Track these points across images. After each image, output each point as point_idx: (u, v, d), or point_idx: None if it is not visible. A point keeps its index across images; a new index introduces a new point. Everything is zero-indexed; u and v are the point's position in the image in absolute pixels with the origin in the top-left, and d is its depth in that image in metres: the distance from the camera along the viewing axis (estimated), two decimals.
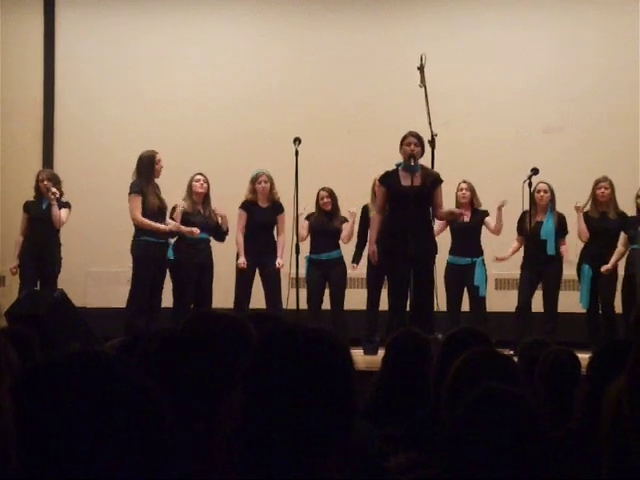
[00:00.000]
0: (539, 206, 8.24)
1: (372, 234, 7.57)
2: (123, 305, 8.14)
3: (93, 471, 1.22)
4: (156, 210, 8.06)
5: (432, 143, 7.60)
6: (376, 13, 10.18)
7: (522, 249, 8.41)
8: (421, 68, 7.80)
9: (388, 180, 7.44)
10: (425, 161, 7.55)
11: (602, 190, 8.23)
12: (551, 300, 8.28)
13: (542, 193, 8.20)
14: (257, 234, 8.36)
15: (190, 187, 8.32)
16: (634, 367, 0.81)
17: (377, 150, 9.32)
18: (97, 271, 10.03)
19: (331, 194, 8.64)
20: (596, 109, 9.81)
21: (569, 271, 8.42)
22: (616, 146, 9.59)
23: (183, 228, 8.05)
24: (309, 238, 8.62)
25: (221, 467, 1.69)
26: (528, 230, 8.12)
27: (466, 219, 8.42)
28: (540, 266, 8.11)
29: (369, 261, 8.14)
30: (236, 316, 2.43)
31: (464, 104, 9.81)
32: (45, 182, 8.49)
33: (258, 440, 1.56)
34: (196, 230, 8.03)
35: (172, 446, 1.29)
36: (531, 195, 8.09)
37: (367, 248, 7.76)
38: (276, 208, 8.42)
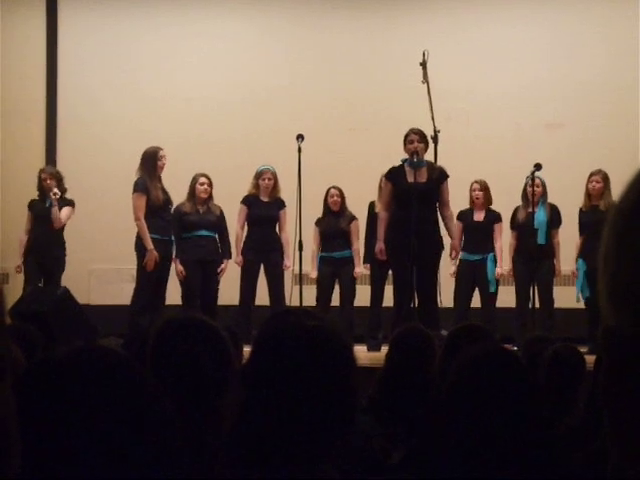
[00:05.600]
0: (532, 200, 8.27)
1: (380, 231, 7.55)
2: (127, 302, 8.15)
3: (95, 468, 1.23)
4: (161, 204, 8.07)
5: (435, 139, 7.60)
6: (378, 11, 10.16)
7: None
8: (423, 64, 7.80)
9: (394, 176, 7.44)
10: (428, 157, 7.55)
11: (593, 184, 8.23)
12: (547, 297, 8.31)
13: (534, 187, 8.22)
14: (260, 228, 8.35)
15: (193, 188, 8.30)
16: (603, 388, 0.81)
17: (380, 147, 9.31)
18: (100, 268, 10.04)
19: (341, 194, 8.63)
20: (597, 106, 9.80)
21: (565, 266, 8.43)
22: (616, 143, 9.58)
23: (150, 263, 7.95)
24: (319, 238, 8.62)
25: (221, 466, 1.69)
26: (520, 220, 8.26)
27: (480, 218, 8.46)
28: (532, 258, 8.13)
29: (373, 258, 8.14)
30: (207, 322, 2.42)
31: (466, 101, 9.81)
32: (48, 181, 8.48)
33: (258, 437, 1.56)
34: (150, 266, 7.93)
35: (173, 444, 1.29)
36: (525, 189, 8.20)
37: (377, 245, 7.67)
38: (278, 203, 8.42)
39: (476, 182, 8.54)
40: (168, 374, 2.18)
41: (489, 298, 8.39)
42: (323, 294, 8.46)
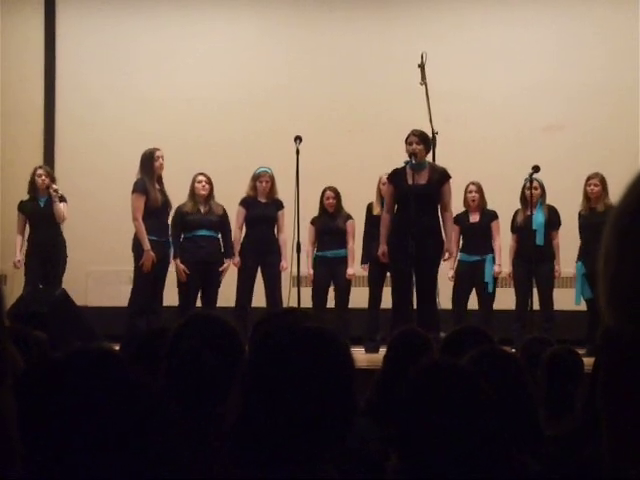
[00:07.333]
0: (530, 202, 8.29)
1: (383, 233, 7.50)
2: (124, 304, 8.14)
3: (94, 468, 1.22)
4: (159, 206, 8.07)
5: (433, 141, 7.60)
6: (378, 12, 10.17)
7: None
8: (422, 66, 7.81)
9: (396, 178, 7.42)
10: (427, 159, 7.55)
11: (592, 187, 8.26)
12: (546, 300, 8.33)
13: (533, 190, 8.24)
14: (258, 229, 8.34)
15: (192, 187, 8.31)
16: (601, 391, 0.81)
17: (378, 149, 9.31)
18: (98, 270, 10.03)
19: (337, 195, 8.63)
20: (597, 108, 9.81)
21: (565, 268, 8.44)
22: (616, 145, 9.59)
23: (147, 263, 7.96)
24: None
25: (220, 466, 1.69)
26: (519, 223, 8.30)
27: (476, 219, 8.48)
28: (531, 260, 8.13)
29: (371, 259, 8.14)
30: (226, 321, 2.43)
31: (465, 103, 9.81)
32: (43, 177, 8.52)
33: (257, 439, 1.56)
34: (147, 267, 7.93)
35: (173, 444, 1.29)
36: (523, 192, 8.22)
37: (380, 247, 7.62)
38: (276, 204, 8.42)
39: (472, 184, 8.56)
40: (182, 372, 2.19)
41: (486, 299, 8.40)
42: (318, 294, 8.45)
